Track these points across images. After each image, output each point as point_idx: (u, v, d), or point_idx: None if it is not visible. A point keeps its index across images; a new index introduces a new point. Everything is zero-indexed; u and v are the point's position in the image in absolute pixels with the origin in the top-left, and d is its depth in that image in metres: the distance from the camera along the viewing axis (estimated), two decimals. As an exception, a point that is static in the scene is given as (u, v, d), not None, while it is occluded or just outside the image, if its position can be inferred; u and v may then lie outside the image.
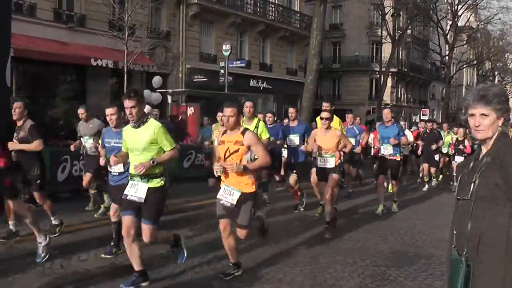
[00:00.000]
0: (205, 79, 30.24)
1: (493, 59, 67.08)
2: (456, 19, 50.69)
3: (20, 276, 6.53)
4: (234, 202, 6.37)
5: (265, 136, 10.28)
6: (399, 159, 11.89)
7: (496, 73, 73.43)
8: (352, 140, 14.14)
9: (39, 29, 22.11)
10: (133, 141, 6.26)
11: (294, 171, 11.56)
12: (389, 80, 47.20)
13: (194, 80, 30.61)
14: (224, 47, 27.77)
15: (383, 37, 43.61)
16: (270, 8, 37.29)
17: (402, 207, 12.70)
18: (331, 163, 9.41)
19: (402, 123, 17.54)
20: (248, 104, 10.50)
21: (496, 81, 68.34)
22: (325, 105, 10.89)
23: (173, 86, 28.52)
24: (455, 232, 3.31)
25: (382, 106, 43.48)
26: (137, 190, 6.18)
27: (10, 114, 11.36)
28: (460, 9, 50.58)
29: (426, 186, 16.87)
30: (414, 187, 17.26)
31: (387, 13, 44.09)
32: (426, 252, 8.26)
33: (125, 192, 6.28)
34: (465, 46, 58.10)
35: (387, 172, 12.17)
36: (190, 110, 22.73)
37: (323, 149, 9.39)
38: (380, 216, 11.19)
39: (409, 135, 17.06)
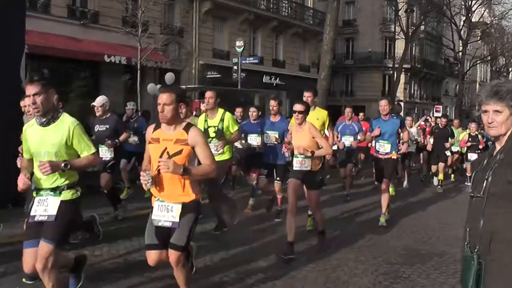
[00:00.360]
0: (218, 75, 30.28)
1: (507, 55, 66.69)
2: (470, 15, 50.41)
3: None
4: (177, 219, 4.99)
5: (233, 128, 8.92)
6: (395, 157, 10.26)
7: (510, 69, 72.86)
8: (350, 139, 13.35)
9: (53, 25, 22.21)
10: (40, 143, 4.95)
11: (278, 178, 10.23)
12: (402, 76, 47.01)
13: (207, 76, 30.67)
14: (237, 43, 27.76)
15: (396, 33, 43.44)
16: (283, 4, 37.29)
17: (414, 205, 12.70)
18: (307, 165, 7.64)
19: (409, 118, 16.99)
20: (208, 94, 8.84)
21: (510, 77, 67.89)
22: (306, 94, 9.25)
23: (186, 82, 28.59)
24: (468, 229, 3.29)
25: (396, 102, 43.39)
26: (47, 208, 4.92)
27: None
28: (474, 4, 50.34)
29: (438, 186, 15.49)
30: (425, 185, 16.64)
31: (401, 8, 43.90)
32: (439, 249, 8.23)
33: (32, 213, 4.97)
34: (479, 42, 57.75)
35: (383, 177, 10.20)
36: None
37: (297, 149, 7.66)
38: (385, 226, 9.86)
39: (416, 132, 16.36)
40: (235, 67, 27.76)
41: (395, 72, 43.03)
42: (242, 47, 27.88)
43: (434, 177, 16.04)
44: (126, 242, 7.96)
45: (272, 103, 10.42)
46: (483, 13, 53.22)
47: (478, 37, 56.16)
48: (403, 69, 45.57)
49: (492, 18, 57.07)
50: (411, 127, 15.97)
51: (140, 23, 22.11)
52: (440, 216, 11.36)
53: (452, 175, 17.76)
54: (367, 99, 46.85)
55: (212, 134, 8.74)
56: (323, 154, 7.85)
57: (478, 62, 60.46)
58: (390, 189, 12.89)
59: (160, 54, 26.53)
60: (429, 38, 56.86)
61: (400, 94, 48.30)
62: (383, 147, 10.13)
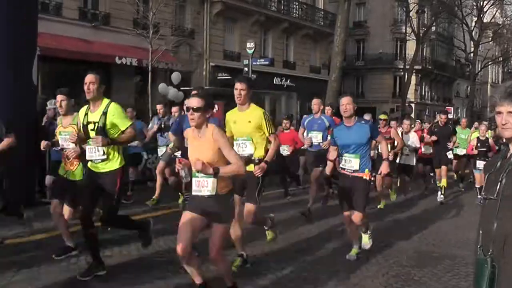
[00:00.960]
0: (229, 77, 30.28)
1: (519, 56, 66.32)
2: (481, 15, 50.23)
3: (46, 271, 6.60)
4: None
5: (123, 125, 6.44)
6: (367, 178, 7.42)
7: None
8: (319, 135, 10.85)
9: (65, 27, 22.35)
10: None
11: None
12: (413, 78, 46.94)
13: (218, 78, 30.72)
14: (248, 45, 27.79)
15: (407, 34, 43.32)
16: (294, 5, 37.31)
17: (425, 208, 12.63)
18: (210, 188, 5.19)
19: (405, 122, 14.04)
20: (87, 78, 6.39)
21: (522, 79, 67.47)
22: (239, 86, 6.80)
23: (197, 84, 28.63)
24: (481, 232, 3.23)
25: (407, 104, 43.29)
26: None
27: (36, 111, 11.62)
28: (486, 5, 50.11)
29: (441, 195, 13.32)
30: (435, 188, 14.34)
31: (412, 10, 43.83)
32: (450, 252, 8.18)
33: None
34: (490, 42, 57.39)
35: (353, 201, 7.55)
36: (214, 108, 22.83)
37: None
38: (354, 259, 7.59)
39: (413, 137, 13.51)
40: (246, 69, 27.74)
41: (406, 74, 42.94)
42: (253, 49, 27.86)
43: (440, 194, 13.34)
44: (137, 243, 7.97)
45: (194, 93, 7.02)
46: (495, 13, 52.95)
47: (490, 38, 55.84)
48: (414, 71, 45.50)
49: (504, 19, 56.81)
50: (408, 132, 13.70)
51: (151, 24, 22.17)
52: (451, 219, 11.31)
53: (461, 184, 16.18)
54: (377, 100, 46.80)
55: (92, 133, 6.39)
56: (231, 172, 5.26)
57: (489, 63, 60.17)
58: (390, 193, 12.82)
59: (171, 55, 26.61)
60: (440, 39, 56.69)
61: (411, 95, 48.16)
62: (349, 163, 7.46)
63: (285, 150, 13.51)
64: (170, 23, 27.37)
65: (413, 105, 47.67)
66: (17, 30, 10.44)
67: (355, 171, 7.38)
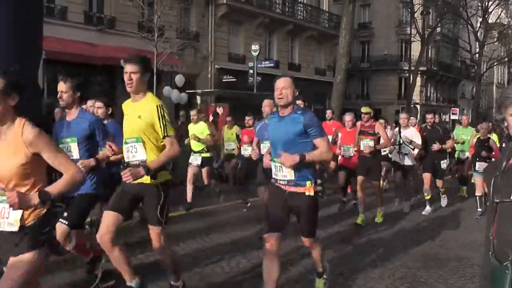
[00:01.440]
0: (234, 79, 30.36)
1: (525, 56, 66.12)
2: (486, 16, 50.17)
3: (54, 272, 6.61)
4: None
5: None
6: (310, 194, 5.20)
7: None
8: (267, 142, 7.75)
9: (70, 31, 22.40)
10: None
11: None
12: (418, 79, 46.82)
13: (223, 80, 30.77)
14: (253, 47, 27.84)
15: (412, 36, 43.28)
16: (299, 7, 37.30)
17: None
18: (11, 220, 3.47)
19: (402, 116, 12.11)
20: None
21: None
22: (129, 69, 5.14)
23: (202, 86, 28.69)
24: (493, 237, 3.08)
25: (412, 106, 43.21)
26: None
27: (42, 116, 11.63)
28: (491, 5, 50.02)
29: (428, 207, 12.01)
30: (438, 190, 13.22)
31: (416, 11, 43.78)
32: (456, 254, 8.18)
33: None
34: (496, 43, 57.25)
35: (286, 222, 5.49)
36: (219, 110, 22.87)
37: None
38: None
39: (413, 133, 11.80)
40: (251, 71, 27.81)
41: (411, 75, 42.90)
42: (258, 51, 27.93)
43: (428, 206, 12.07)
44: (142, 246, 7.99)
45: (61, 86, 5.98)
46: (500, 14, 52.86)
47: (495, 39, 55.70)
48: (419, 72, 45.42)
49: (509, 19, 56.59)
50: (406, 126, 11.92)
51: (156, 28, 22.23)
52: (455, 221, 11.24)
53: (464, 188, 14.94)
54: (382, 102, 46.75)
55: None
56: (64, 189, 3.50)
57: (495, 63, 60.00)
58: (378, 215, 10.83)
59: (176, 58, 26.65)
60: (445, 40, 56.62)
61: (416, 97, 48.10)
62: (281, 172, 5.28)
63: (248, 151, 11.39)
64: (175, 26, 27.41)
65: (418, 106, 47.61)
66: (17, 30, 10.44)
67: (289, 182, 5.23)
